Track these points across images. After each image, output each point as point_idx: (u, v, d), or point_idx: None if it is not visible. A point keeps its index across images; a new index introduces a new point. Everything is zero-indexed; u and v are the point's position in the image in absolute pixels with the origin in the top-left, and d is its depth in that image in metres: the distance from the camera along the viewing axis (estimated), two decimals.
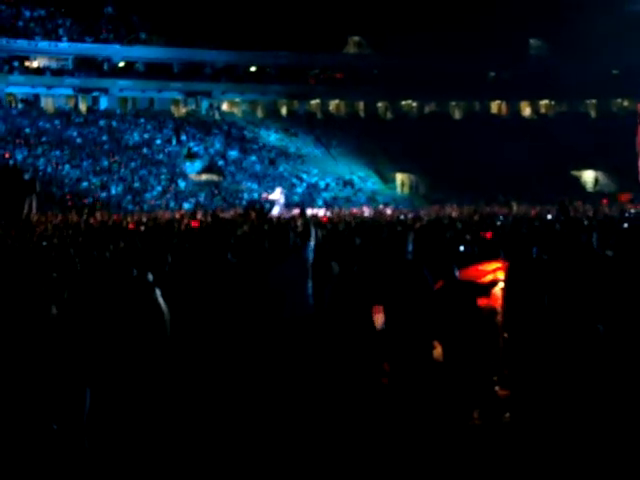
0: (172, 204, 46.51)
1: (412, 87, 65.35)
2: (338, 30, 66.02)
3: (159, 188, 49.68)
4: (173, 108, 64.43)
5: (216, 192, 50.16)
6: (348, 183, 55.07)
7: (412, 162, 56.34)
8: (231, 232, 14.31)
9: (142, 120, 59.28)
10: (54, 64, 62.06)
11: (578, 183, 58.87)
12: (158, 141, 56.62)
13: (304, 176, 55.01)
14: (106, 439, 6.48)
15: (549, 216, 26.79)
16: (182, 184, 50.95)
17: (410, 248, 7.82)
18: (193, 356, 7.83)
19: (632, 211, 31.25)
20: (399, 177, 58.18)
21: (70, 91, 61.61)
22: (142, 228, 21.24)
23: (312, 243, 7.94)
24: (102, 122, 57.68)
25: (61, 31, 61.59)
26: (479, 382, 7.32)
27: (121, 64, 63.59)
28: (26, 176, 39.62)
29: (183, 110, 64.82)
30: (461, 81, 64.30)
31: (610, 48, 59.44)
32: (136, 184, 49.69)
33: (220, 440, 6.96)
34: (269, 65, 66.81)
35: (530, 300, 6.98)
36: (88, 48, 61.59)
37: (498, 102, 71.08)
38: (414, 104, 69.97)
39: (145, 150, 54.77)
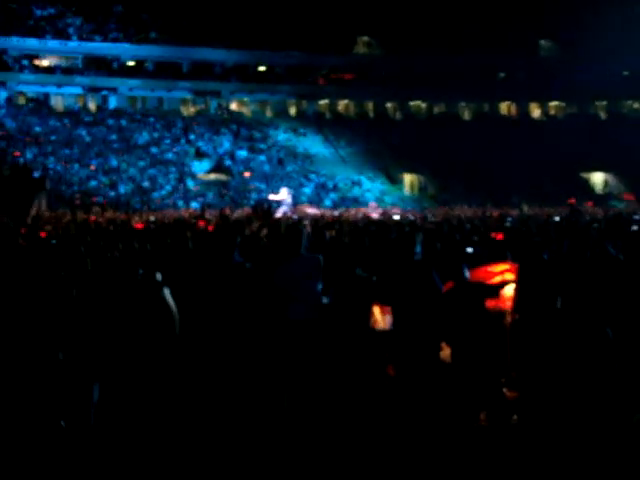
0: (180, 203, 46.58)
1: (421, 88, 65.37)
2: (347, 30, 66.08)
3: (168, 187, 49.76)
4: (182, 107, 64.55)
5: (224, 192, 50.21)
6: (356, 183, 55.08)
7: (420, 163, 56.30)
8: (239, 232, 14.29)
9: (151, 119, 59.42)
10: (64, 63, 62.27)
11: (587, 185, 58.72)
12: (167, 140, 56.74)
13: (312, 176, 55.02)
14: (114, 436, 6.48)
15: (557, 218, 26.77)
16: (190, 183, 51.02)
17: (418, 249, 7.80)
18: (200, 355, 7.82)
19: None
20: (407, 178, 58.13)
21: (80, 90, 61.78)
22: (151, 227, 21.25)
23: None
24: (111, 121, 57.85)
25: (71, 30, 61.79)
26: (487, 384, 7.30)
27: (130, 63, 63.74)
28: (36, 174, 39.77)
29: (192, 109, 64.94)
30: (470, 82, 64.26)
31: (620, 50, 59.36)
32: (145, 183, 49.79)
33: (225, 439, 6.96)
34: (278, 65, 66.86)
35: (540, 302, 6.96)
36: (98, 47, 61.79)
37: (507, 103, 70.96)
38: (423, 105, 69.92)
39: (154, 149, 54.88)
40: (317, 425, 7.19)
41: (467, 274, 7.66)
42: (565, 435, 5.92)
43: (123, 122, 58.05)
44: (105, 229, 20.13)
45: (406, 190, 57.28)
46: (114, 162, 51.57)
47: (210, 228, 20.07)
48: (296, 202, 42.37)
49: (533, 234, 14.19)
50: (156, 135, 57.24)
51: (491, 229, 17.20)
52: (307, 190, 52.48)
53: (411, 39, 63.33)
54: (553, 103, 71.34)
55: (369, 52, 70.47)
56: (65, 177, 48.00)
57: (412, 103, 69.68)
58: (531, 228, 17.30)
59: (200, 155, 54.94)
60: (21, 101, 59.99)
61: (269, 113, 66.35)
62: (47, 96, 60.94)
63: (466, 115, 69.96)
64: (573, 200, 28.89)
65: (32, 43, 59.89)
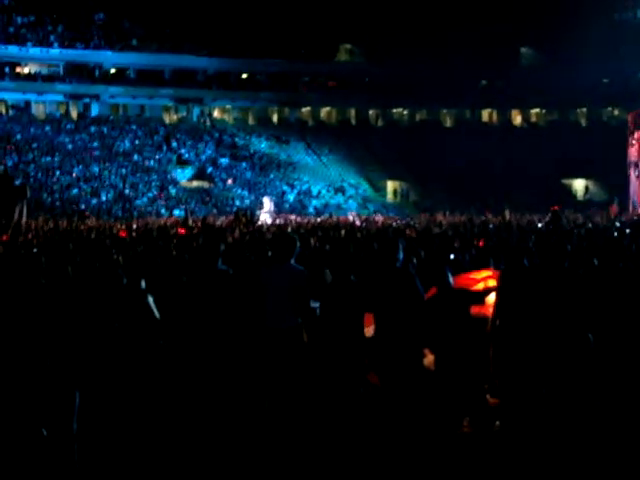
0: (163, 211, 46.49)
1: (403, 95, 65.56)
2: (329, 38, 66.22)
3: (150, 195, 49.63)
4: (164, 115, 64.45)
5: (207, 199, 50.14)
6: (339, 190, 55.15)
7: (403, 170, 56.46)
8: (221, 239, 14.29)
9: (133, 127, 59.27)
10: (45, 70, 62.01)
11: (568, 192, 59.06)
12: (149, 148, 56.59)
13: (295, 183, 55.06)
14: (96, 443, 6.46)
15: (539, 224, 26.91)
16: (173, 191, 50.92)
17: (401, 256, 7.81)
18: (184, 361, 7.81)
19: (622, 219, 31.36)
20: (390, 184, 58.30)
21: (61, 97, 61.55)
22: (134, 235, 21.21)
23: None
24: (93, 128, 57.66)
25: (52, 37, 61.53)
26: (470, 390, 7.32)
27: (112, 70, 63.57)
28: (16, 182, 39.52)
29: (174, 117, 64.85)
30: (452, 89, 64.49)
31: (601, 57, 59.75)
32: (127, 191, 49.64)
33: (209, 445, 6.95)
34: (260, 72, 66.87)
35: (522, 309, 6.99)
36: (79, 54, 61.55)
37: (489, 110, 71.33)
38: (405, 112, 70.16)
39: (136, 157, 54.73)
40: (298, 430, 7.18)
41: (451, 280, 7.68)
42: (547, 440, 5.95)
43: (105, 129, 57.87)
44: (88, 237, 20.07)
45: (389, 197, 57.42)
46: (96, 170, 51.38)
47: (185, 233, 20.10)
48: (279, 210, 42.43)
49: (514, 241, 14.27)
50: (138, 143, 57.09)
51: (473, 236, 17.28)
52: (290, 197, 52.51)
53: (393, 47, 63.51)
54: (534, 110, 71.75)
55: (351, 60, 70.64)
56: (46, 185, 47.77)
57: (394, 110, 69.90)
58: (513, 235, 17.39)
59: (182, 163, 54.87)
60: (2, 109, 59.68)
61: (251, 120, 66.37)
62: (28, 103, 60.67)
63: (448, 122, 70.25)
64: (557, 207, 29.04)
65: (13, 50, 59.57)
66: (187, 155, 56.35)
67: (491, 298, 7.53)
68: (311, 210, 49.77)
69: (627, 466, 5.73)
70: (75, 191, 48.18)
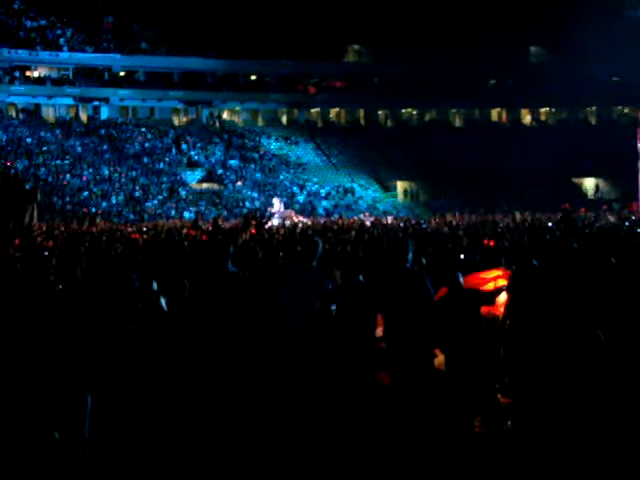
0: (173, 213, 46.58)
1: (412, 95, 65.49)
2: (338, 39, 66.23)
3: (160, 197, 49.74)
4: (174, 117, 64.57)
5: (217, 201, 50.22)
6: (349, 191, 55.15)
7: (413, 170, 56.42)
8: (231, 241, 14.30)
9: (143, 129, 59.40)
10: (55, 74, 62.22)
11: (579, 190, 58.91)
12: (158, 150, 56.72)
13: (305, 184, 55.09)
14: (108, 447, 6.47)
15: (550, 224, 26.83)
16: (183, 193, 51.01)
17: (411, 257, 7.81)
18: (197, 363, 7.82)
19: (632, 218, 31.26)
20: (400, 185, 58.26)
21: (71, 101, 61.73)
22: (145, 237, 21.25)
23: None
24: (103, 131, 57.82)
25: (62, 41, 61.76)
26: (481, 390, 7.31)
27: (122, 73, 63.73)
28: (27, 186, 39.66)
29: (184, 119, 64.97)
30: (461, 89, 64.40)
31: (610, 55, 59.57)
32: (137, 193, 49.76)
33: (220, 447, 6.96)
34: (269, 74, 66.93)
35: (533, 308, 6.98)
36: (89, 58, 61.77)
37: (498, 110, 71.18)
38: (414, 112, 70.09)
39: (145, 159, 54.86)
40: (311, 431, 7.19)
41: (461, 280, 7.67)
42: (559, 440, 5.93)
43: (114, 132, 58.02)
44: (99, 239, 20.11)
45: (399, 197, 57.38)
46: (106, 172, 51.52)
47: (204, 237, 20.08)
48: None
49: (525, 241, 14.24)
50: (147, 145, 57.22)
51: (484, 236, 17.25)
52: (300, 198, 52.54)
53: (402, 47, 63.46)
54: (544, 109, 71.58)
55: (360, 60, 70.63)
56: (57, 188, 47.93)
57: (403, 111, 69.85)
58: (523, 235, 17.34)
59: (192, 165, 54.98)
60: (12, 112, 59.90)
61: (260, 122, 66.42)
62: (38, 107, 60.88)
63: (457, 122, 70.15)
64: (567, 205, 28.97)
65: (23, 54, 59.81)
66: (197, 157, 56.45)
67: (502, 298, 7.52)
68: (321, 211, 49.78)
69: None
70: (85, 194, 48.33)
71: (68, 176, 50.06)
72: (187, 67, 64.14)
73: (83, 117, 61.81)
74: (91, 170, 51.51)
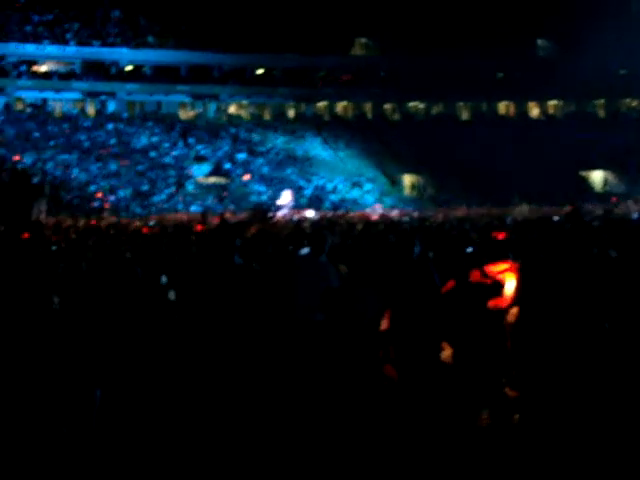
0: (180, 207, 46.61)
1: (419, 88, 65.36)
2: (344, 32, 66.10)
3: (167, 191, 49.78)
4: (181, 111, 64.56)
5: (223, 195, 50.23)
6: (356, 185, 55.10)
7: (420, 164, 56.33)
8: (238, 234, 14.31)
9: (150, 123, 59.43)
10: (62, 68, 62.27)
11: (587, 184, 58.74)
12: (166, 144, 56.75)
13: (312, 178, 55.05)
14: (116, 441, 6.49)
15: (556, 217, 26.77)
16: (190, 187, 51.04)
17: (417, 250, 7.81)
18: (206, 357, 7.83)
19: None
20: (407, 179, 58.15)
21: (78, 95, 61.78)
22: (154, 231, 21.30)
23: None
24: (110, 126, 57.87)
25: (69, 35, 61.79)
26: (488, 383, 7.31)
27: (128, 68, 63.76)
28: (35, 180, 39.76)
29: (191, 113, 64.96)
30: (468, 82, 64.27)
31: (618, 48, 59.37)
32: (144, 187, 49.80)
33: (227, 442, 6.97)
34: (276, 68, 66.87)
35: (540, 301, 6.97)
36: (96, 52, 61.82)
37: (506, 103, 70.95)
38: (421, 105, 69.92)
39: (153, 153, 54.89)
40: (318, 423, 7.19)
41: (469, 274, 7.66)
42: (567, 433, 5.93)
43: (121, 126, 58.07)
44: (106, 233, 20.15)
45: (406, 191, 57.29)
46: (113, 167, 51.59)
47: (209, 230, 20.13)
48: (296, 205, 42.50)
49: (532, 234, 14.21)
50: (155, 139, 57.26)
51: (491, 229, 17.21)
52: (307, 192, 52.51)
53: (408, 40, 63.35)
54: (551, 102, 71.34)
55: (366, 54, 70.50)
56: (64, 182, 48.00)
57: (410, 104, 69.68)
58: (530, 228, 17.31)
59: (199, 159, 55.00)
60: (19, 107, 60.00)
61: (267, 116, 66.37)
62: (45, 101, 60.95)
63: (464, 115, 69.97)
64: (574, 205, 28.93)
65: (30, 49, 59.92)
66: (204, 151, 56.47)
67: (509, 291, 7.52)
68: (328, 205, 49.75)
69: None
70: (93, 188, 48.39)
71: (75, 170, 50.13)
72: (194, 61, 64.14)
73: (90, 111, 61.87)
74: (99, 164, 51.57)
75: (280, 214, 37.11)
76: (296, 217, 34.06)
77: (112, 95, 62.08)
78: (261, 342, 7.95)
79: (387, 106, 69.29)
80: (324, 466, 6.49)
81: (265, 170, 55.45)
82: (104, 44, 62.29)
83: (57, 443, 5.79)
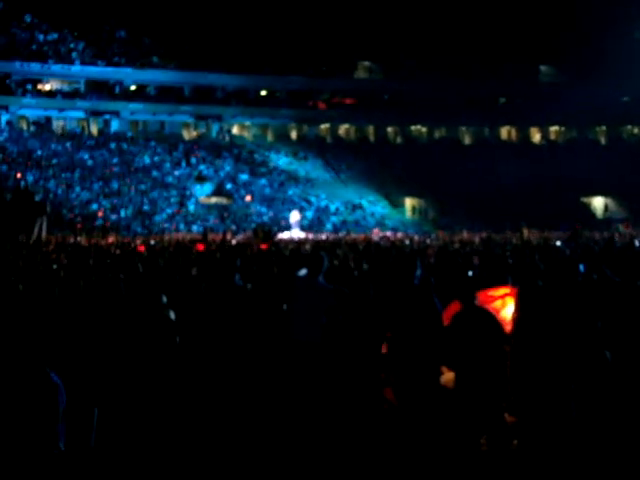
0: (182, 226, 46.65)
1: (422, 112, 65.61)
2: (348, 55, 66.46)
3: (169, 211, 49.84)
4: (184, 131, 64.80)
5: (225, 215, 50.29)
6: (357, 207, 55.16)
7: (421, 187, 56.42)
8: (239, 255, 14.33)
9: (153, 143, 59.61)
10: (66, 87, 62.59)
11: (588, 210, 58.81)
12: (168, 164, 56.89)
13: (313, 200, 55.12)
14: (114, 461, 6.47)
15: (558, 242, 26.79)
16: (192, 207, 51.11)
17: (418, 273, 7.81)
18: (204, 375, 7.82)
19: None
20: (408, 202, 58.25)
21: (81, 114, 62.05)
22: (153, 250, 21.31)
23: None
24: (113, 145, 58.04)
25: (74, 54, 62.13)
26: (487, 408, 7.29)
27: (133, 87, 64.05)
28: (37, 198, 39.87)
29: (194, 133, 65.19)
30: (471, 106, 64.54)
31: (620, 75, 59.63)
32: (146, 207, 49.87)
33: (227, 459, 6.95)
34: (279, 89, 67.17)
35: (540, 326, 6.96)
36: (100, 71, 62.11)
37: (508, 128, 71.19)
38: (424, 129, 70.14)
39: (155, 173, 55.01)
40: (315, 446, 7.17)
41: (476, 298, 7.60)
42: (565, 459, 5.91)
43: (124, 146, 58.24)
44: (107, 252, 20.17)
45: (407, 214, 57.36)
46: (115, 186, 51.68)
47: (200, 247, 20.19)
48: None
49: (533, 259, 14.19)
50: (157, 159, 57.40)
51: (492, 253, 17.22)
52: (308, 214, 52.56)
53: (412, 64, 63.68)
54: (553, 128, 71.57)
55: (370, 77, 70.81)
56: (66, 201, 48.08)
57: (413, 127, 69.91)
58: (530, 252, 17.31)
59: (201, 179, 55.11)
60: (23, 125, 60.23)
61: (270, 137, 66.59)
62: (49, 120, 61.20)
63: (467, 140, 70.17)
64: (578, 226, 29.04)
65: (35, 67, 60.23)
66: (206, 171, 56.60)
67: (509, 316, 7.50)
68: (329, 227, 49.79)
69: None
70: (95, 207, 48.46)
71: (78, 189, 50.22)
72: (198, 82, 64.46)
73: (93, 130, 62.11)
74: (100, 183, 51.66)
75: (291, 231, 37.85)
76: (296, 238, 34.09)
77: (116, 114, 62.34)
78: (258, 362, 7.94)
79: (390, 129, 69.52)
80: None
81: (267, 191, 55.54)
82: (109, 64, 62.58)
83: (52, 463, 5.76)
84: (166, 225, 46.90)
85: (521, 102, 68.28)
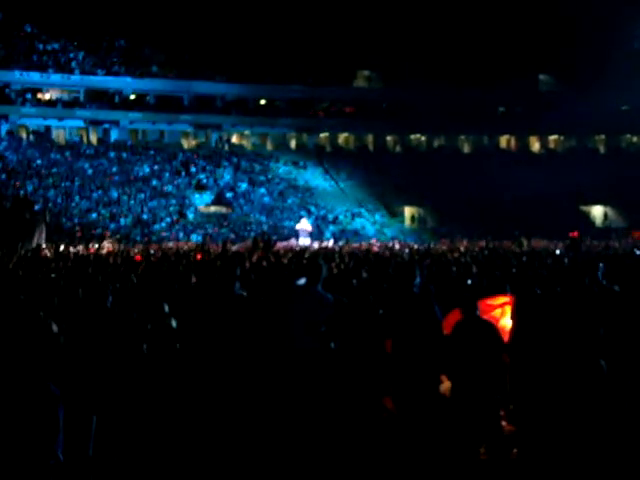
0: (181, 235, 46.63)
1: (421, 121, 65.65)
2: (347, 64, 66.58)
3: (168, 220, 49.82)
4: (183, 140, 64.86)
5: (224, 224, 50.27)
6: (356, 216, 55.15)
7: (420, 196, 56.43)
8: (239, 263, 14.33)
9: (152, 152, 59.64)
10: (66, 96, 62.68)
11: (587, 218, 58.80)
12: (167, 173, 56.90)
13: (312, 209, 55.11)
14: (112, 470, 6.46)
15: (557, 251, 26.80)
16: (191, 216, 51.10)
17: (418, 282, 7.82)
18: (204, 384, 7.82)
19: None
20: (407, 210, 58.24)
21: (81, 123, 62.15)
22: (153, 259, 21.31)
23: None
24: (112, 154, 58.07)
25: (73, 64, 62.22)
26: (486, 417, 7.28)
27: (132, 96, 64.12)
28: (36, 207, 39.88)
29: (193, 142, 65.24)
30: (470, 115, 64.58)
31: (619, 84, 59.68)
32: (145, 216, 49.85)
33: (226, 468, 6.94)
34: (279, 98, 67.26)
35: (537, 335, 6.97)
36: (100, 80, 62.20)
37: (507, 137, 71.27)
38: (423, 138, 70.22)
39: (154, 182, 55.02)
40: (316, 454, 7.16)
41: (477, 308, 7.59)
42: (563, 467, 5.91)
43: (124, 155, 58.27)
44: (106, 261, 20.16)
45: (406, 223, 57.34)
46: (114, 195, 51.69)
47: (199, 257, 20.21)
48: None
49: (531, 268, 14.22)
50: (157, 168, 57.42)
51: (491, 262, 17.23)
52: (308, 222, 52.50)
53: (411, 73, 63.74)
54: (552, 137, 71.64)
55: (369, 86, 70.92)
56: (66, 210, 48.06)
57: (412, 136, 70.00)
58: (529, 261, 17.33)
59: (201, 188, 55.11)
60: (23, 134, 60.28)
61: (269, 146, 66.64)
62: (49, 129, 61.28)
63: (466, 148, 70.23)
64: (575, 233, 29.03)
65: (34, 77, 60.32)
66: (205, 180, 56.60)
67: (507, 324, 7.51)
68: (328, 235, 49.76)
69: None
70: (94, 216, 48.45)
71: (77, 198, 50.21)
72: (197, 91, 64.59)
73: (93, 139, 62.17)
74: (100, 192, 51.66)
75: (300, 238, 38.06)
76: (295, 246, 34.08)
77: (115, 123, 62.43)
78: (258, 370, 7.94)
79: (389, 138, 69.60)
80: None
81: (266, 200, 55.54)
82: (108, 73, 62.68)
83: (50, 472, 5.75)
84: (165, 234, 46.87)
85: (520, 111, 68.39)
